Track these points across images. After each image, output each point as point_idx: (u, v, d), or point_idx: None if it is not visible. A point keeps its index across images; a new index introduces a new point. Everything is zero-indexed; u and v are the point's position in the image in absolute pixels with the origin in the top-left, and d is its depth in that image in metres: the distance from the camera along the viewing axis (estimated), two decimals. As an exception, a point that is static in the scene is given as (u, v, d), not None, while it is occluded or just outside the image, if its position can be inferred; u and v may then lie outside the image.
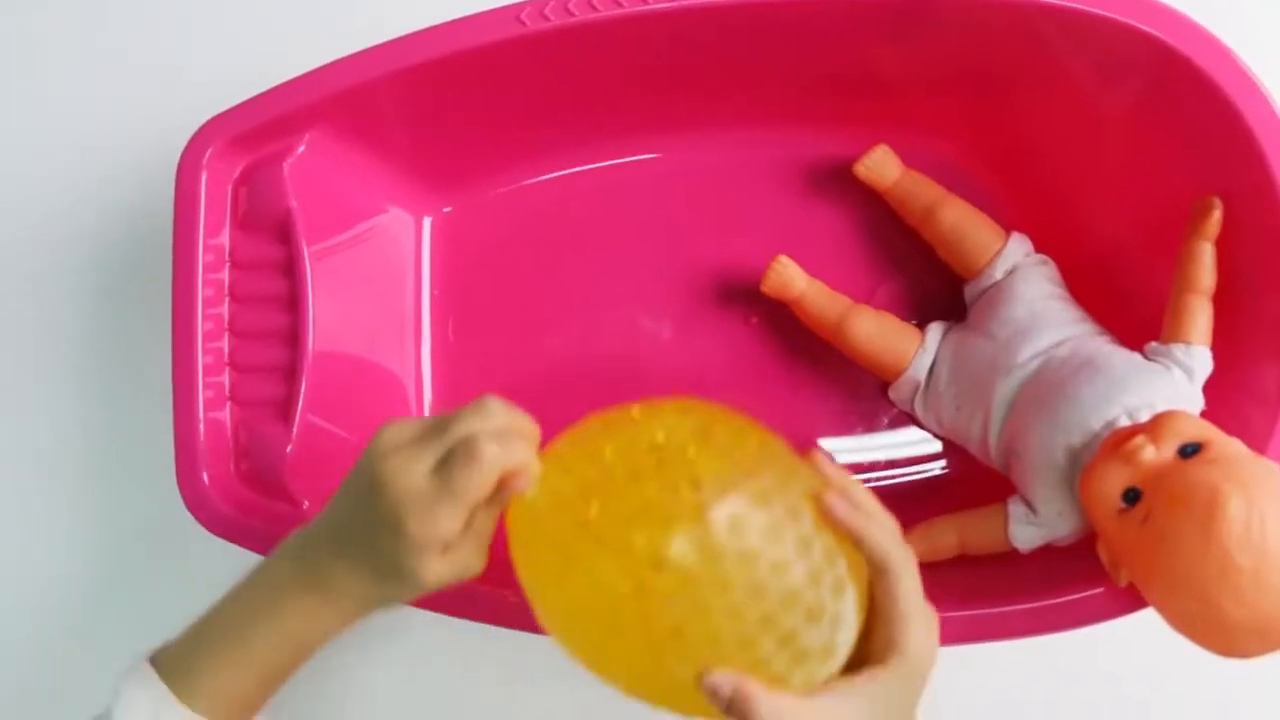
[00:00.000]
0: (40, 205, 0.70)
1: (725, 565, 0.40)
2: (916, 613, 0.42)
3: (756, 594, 0.40)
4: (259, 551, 0.56)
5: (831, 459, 0.45)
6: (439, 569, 0.43)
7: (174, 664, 0.47)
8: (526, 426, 0.44)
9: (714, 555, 0.40)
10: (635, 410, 0.45)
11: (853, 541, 0.43)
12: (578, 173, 0.68)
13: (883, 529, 0.43)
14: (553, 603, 0.43)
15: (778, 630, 0.41)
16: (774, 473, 0.43)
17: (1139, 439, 0.48)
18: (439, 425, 0.42)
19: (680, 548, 0.40)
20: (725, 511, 0.41)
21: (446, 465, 0.41)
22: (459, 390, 0.68)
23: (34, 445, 0.69)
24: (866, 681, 0.41)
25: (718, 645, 0.40)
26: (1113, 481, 0.49)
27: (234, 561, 0.50)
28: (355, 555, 0.44)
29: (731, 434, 0.45)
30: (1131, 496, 0.48)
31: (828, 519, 0.42)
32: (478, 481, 0.41)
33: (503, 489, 0.42)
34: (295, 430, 0.58)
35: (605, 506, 0.42)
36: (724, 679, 0.40)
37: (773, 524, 0.41)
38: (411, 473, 0.41)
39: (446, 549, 0.42)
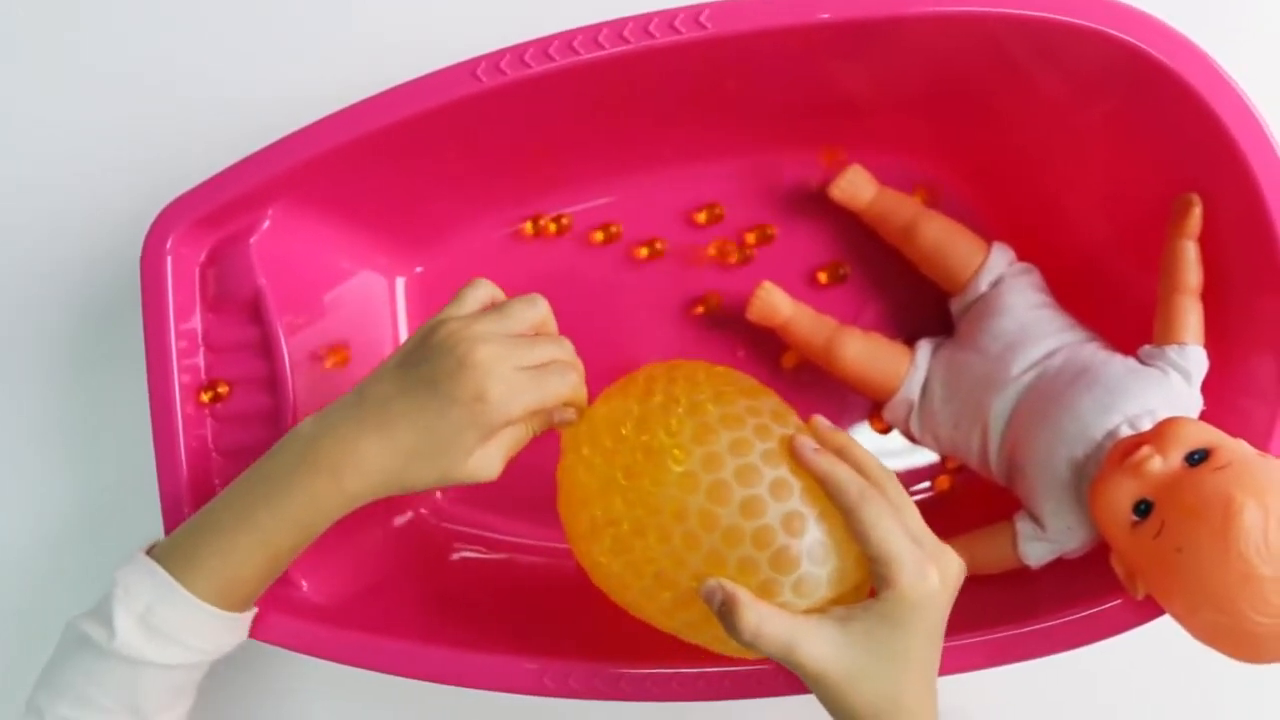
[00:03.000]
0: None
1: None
2: (899, 551, 0.44)
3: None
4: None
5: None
6: (476, 456, 0.48)
7: (172, 552, 0.50)
8: (582, 369, 0.52)
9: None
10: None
11: (818, 482, 0.46)
12: (548, 219, 0.67)
13: (845, 470, 0.46)
14: (571, 494, 0.51)
15: (730, 541, 0.46)
16: (730, 413, 0.49)
17: (1145, 450, 0.48)
18: (530, 341, 0.49)
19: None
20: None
21: (543, 370, 0.49)
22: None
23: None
24: (861, 610, 0.45)
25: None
26: (1122, 495, 0.48)
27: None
28: (397, 427, 0.48)
29: (706, 381, 0.51)
30: (1143, 509, 0.48)
31: (798, 461, 0.47)
32: (561, 393, 0.49)
33: (555, 411, 0.51)
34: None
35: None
36: (717, 584, 0.45)
37: (713, 453, 0.47)
38: (505, 361, 0.48)
39: (486, 441, 0.48)
